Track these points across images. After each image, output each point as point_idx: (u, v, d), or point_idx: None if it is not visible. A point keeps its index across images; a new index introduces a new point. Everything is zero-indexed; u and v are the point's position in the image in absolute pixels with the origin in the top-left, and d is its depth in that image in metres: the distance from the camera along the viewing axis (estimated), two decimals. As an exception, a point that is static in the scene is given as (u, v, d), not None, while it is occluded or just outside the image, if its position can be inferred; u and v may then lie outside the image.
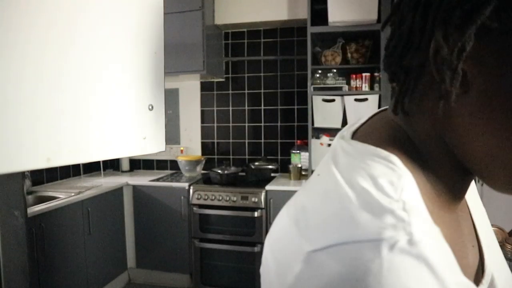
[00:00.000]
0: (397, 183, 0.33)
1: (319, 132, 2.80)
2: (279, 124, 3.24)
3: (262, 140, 3.28)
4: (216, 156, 3.38)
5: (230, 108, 3.34)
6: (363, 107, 2.56)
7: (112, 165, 3.59)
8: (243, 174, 3.02)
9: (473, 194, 0.49)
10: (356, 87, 2.65)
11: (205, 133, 3.41)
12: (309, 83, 2.66)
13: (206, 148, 3.41)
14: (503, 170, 0.34)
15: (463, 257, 0.38)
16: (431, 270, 0.28)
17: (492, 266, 0.42)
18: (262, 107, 3.26)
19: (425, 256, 0.28)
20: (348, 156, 0.37)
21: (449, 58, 0.31)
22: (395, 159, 0.35)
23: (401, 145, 0.38)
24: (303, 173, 2.89)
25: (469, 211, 0.46)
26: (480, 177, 0.37)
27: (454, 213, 0.40)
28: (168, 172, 3.43)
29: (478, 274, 0.41)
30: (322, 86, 2.70)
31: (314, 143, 2.70)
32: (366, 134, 0.41)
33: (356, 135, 0.41)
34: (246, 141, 3.33)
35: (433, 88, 0.35)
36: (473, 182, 0.48)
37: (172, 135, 3.42)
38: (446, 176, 0.38)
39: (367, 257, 0.28)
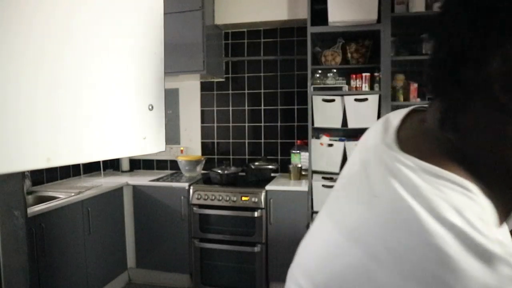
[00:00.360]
0: (484, 217, 0.31)
1: (319, 132, 2.80)
2: (279, 124, 3.24)
3: (262, 140, 3.28)
4: (216, 156, 3.38)
5: (230, 108, 3.34)
6: (363, 107, 2.56)
7: (112, 165, 3.59)
8: (243, 174, 3.02)
9: None
10: (356, 87, 2.65)
11: (205, 133, 3.41)
12: (309, 83, 2.66)
13: (206, 148, 3.41)
14: None
15: None
16: None
17: None
18: (262, 107, 3.26)
19: None
20: (414, 176, 0.34)
21: None
22: (471, 186, 0.33)
23: (461, 165, 0.35)
24: (303, 173, 2.89)
25: None
26: None
27: None
28: (168, 172, 3.43)
29: None
30: (322, 86, 2.70)
31: (314, 143, 2.70)
32: (414, 145, 0.38)
33: (400, 144, 0.38)
34: (246, 141, 3.33)
35: (493, 105, 0.32)
36: None
37: (172, 135, 3.42)
38: (502, 196, 0.35)
39: None
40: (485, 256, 0.28)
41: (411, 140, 0.39)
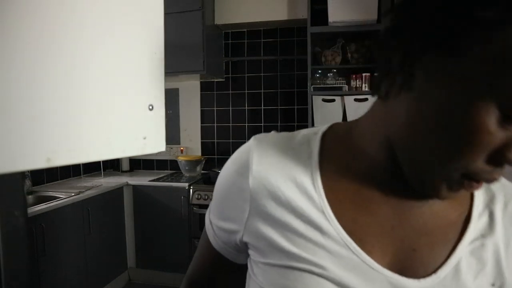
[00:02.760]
0: None
1: (319, 132, 2.80)
2: (279, 124, 3.23)
3: (262, 140, 3.28)
4: (216, 156, 3.38)
5: (230, 108, 3.33)
6: (363, 107, 2.55)
7: (112, 165, 3.59)
8: (243, 174, 3.02)
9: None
10: (356, 87, 2.65)
11: (205, 133, 3.41)
12: (309, 83, 2.66)
13: (206, 148, 3.41)
14: (416, 167, 0.40)
15: (354, 222, 0.44)
16: None
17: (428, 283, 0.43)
18: (262, 107, 3.26)
19: None
20: None
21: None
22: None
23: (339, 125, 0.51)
24: (303, 173, 2.88)
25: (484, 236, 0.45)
26: (404, 168, 0.42)
27: (379, 196, 0.45)
28: (168, 172, 3.43)
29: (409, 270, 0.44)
30: (322, 86, 2.70)
31: (314, 143, 2.70)
32: None
33: None
34: (246, 141, 3.32)
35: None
36: None
37: (172, 135, 3.41)
38: (377, 159, 0.45)
39: None
40: None
41: None
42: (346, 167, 0.47)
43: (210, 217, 0.57)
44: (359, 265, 0.42)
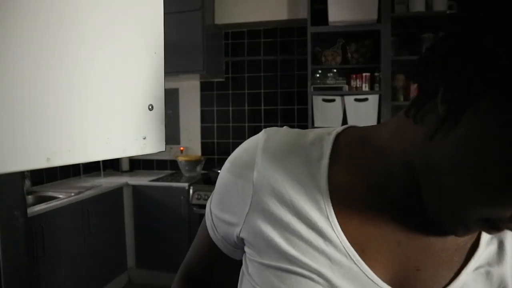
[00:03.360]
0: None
1: (319, 132, 2.79)
2: (279, 124, 3.23)
3: (262, 140, 3.28)
4: (216, 156, 3.38)
5: (230, 108, 3.33)
6: (363, 107, 2.56)
7: (112, 165, 3.59)
8: (243, 174, 3.02)
9: None
10: (356, 87, 2.65)
11: (205, 133, 3.41)
12: (309, 83, 2.66)
13: (206, 148, 3.41)
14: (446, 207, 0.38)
15: (359, 232, 0.43)
16: None
17: None
18: (262, 107, 3.26)
19: None
20: None
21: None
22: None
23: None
24: (303, 173, 2.88)
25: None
26: (425, 199, 0.40)
27: (389, 210, 0.44)
28: (168, 172, 3.43)
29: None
30: (322, 86, 2.70)
31: (314, 143, 2.70)
32: None
33: None
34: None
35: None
36: None
37: (172, 135, 3.41)
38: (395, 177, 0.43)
39: None
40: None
41: None
42: (358, 174, 0.45)
43: (211, 206, 0.55)
44: (359, 276, 0.41)
